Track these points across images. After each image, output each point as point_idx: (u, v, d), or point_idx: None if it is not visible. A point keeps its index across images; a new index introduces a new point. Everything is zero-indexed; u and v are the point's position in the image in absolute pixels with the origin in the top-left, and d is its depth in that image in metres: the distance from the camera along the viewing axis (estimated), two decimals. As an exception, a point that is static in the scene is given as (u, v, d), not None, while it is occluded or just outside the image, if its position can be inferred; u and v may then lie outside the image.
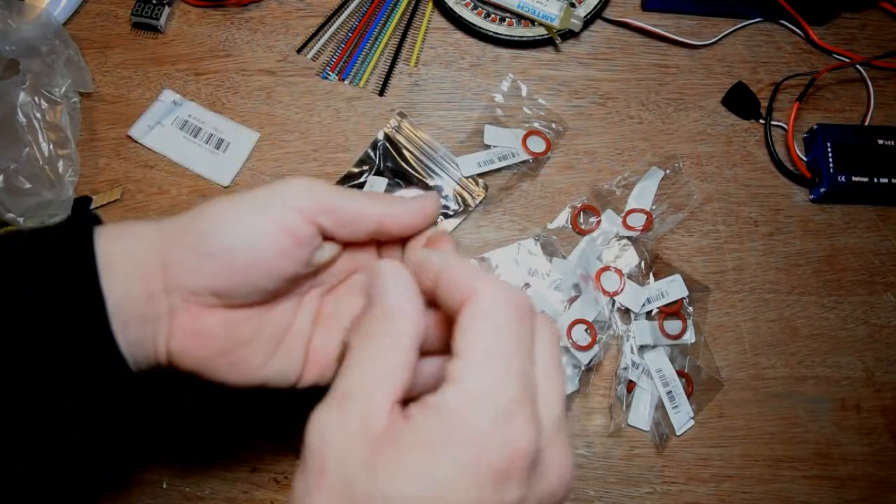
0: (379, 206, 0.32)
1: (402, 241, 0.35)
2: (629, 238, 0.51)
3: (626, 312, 0.50)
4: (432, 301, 0.28)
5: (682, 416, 0.48)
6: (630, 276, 0.50)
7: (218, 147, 0.53)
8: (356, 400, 0.24)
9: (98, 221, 0.31)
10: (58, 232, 0.30)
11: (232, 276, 0.30)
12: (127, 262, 0.30)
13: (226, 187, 0.52)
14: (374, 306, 0.27)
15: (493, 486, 0.22)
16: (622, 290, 0.49)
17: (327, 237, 0.33)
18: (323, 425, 0.24)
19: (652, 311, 0.49)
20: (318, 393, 0.26)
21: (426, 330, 0.27)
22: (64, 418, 0.31)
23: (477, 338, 0.24)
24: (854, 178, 0.52)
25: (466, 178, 0.52)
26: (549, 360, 0.26)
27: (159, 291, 0.30)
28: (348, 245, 0.34)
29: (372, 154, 0.53)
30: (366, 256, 0.36)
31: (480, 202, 0.52)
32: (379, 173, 0.52)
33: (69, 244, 0.29)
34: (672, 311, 0.49)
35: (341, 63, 0.55)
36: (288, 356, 0.33)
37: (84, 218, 0.31)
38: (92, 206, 0.51)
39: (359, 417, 0.24)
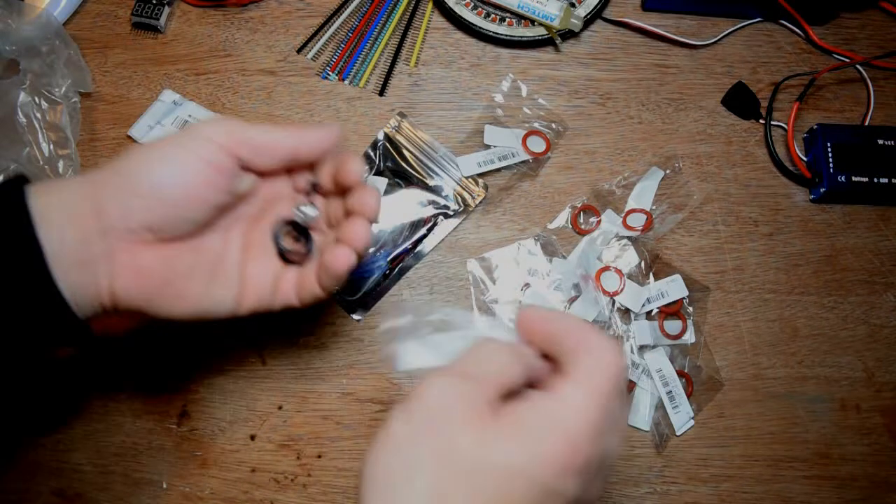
0: (289, 135, 0.37)
1: (310, 167, 0.40)
2: (629, 238, 0.51)
3: (626, 312, 0.50)
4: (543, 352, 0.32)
5: (682, 416, 0.48)
6: (630, 276, 0.50)
7: (218, 147, 0.53)
8: (475, 379, 0.28)
9: (28, 181, 0.33)
10: None
11: (163, 211, 0.33)
12: (60, 211, 0.32)
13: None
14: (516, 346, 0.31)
15: (564, 475, 0.26)
16: (622, 290, 0.49)
17: (246, 168, 0.36)
18: (443, 388, 0.28)
19: (652, 311, 0.49)
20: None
21: (538, 368, 0.31)
22: (9, 369, 0.33)
23: (584, 369, 0.29)
24: (854, 178, 0.52)
25: (466, 178, 0.52)
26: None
27: (94, 235, 0.32)
28: (265, 175, 0.38)
29: (372, 154, 0.53)
30: (281, 185, 0.40)
31: (480, 202, 0.52)
32: (379, 173, 0.52)
33: (2, 201, 0.31)
34: (672, 311, 0.49)
35: (341, 63, 0.55)
36: (225, 284, 0.37)
37: (15, 178, 0.33)
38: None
39: (474, 391, 0.28)
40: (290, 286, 0.38)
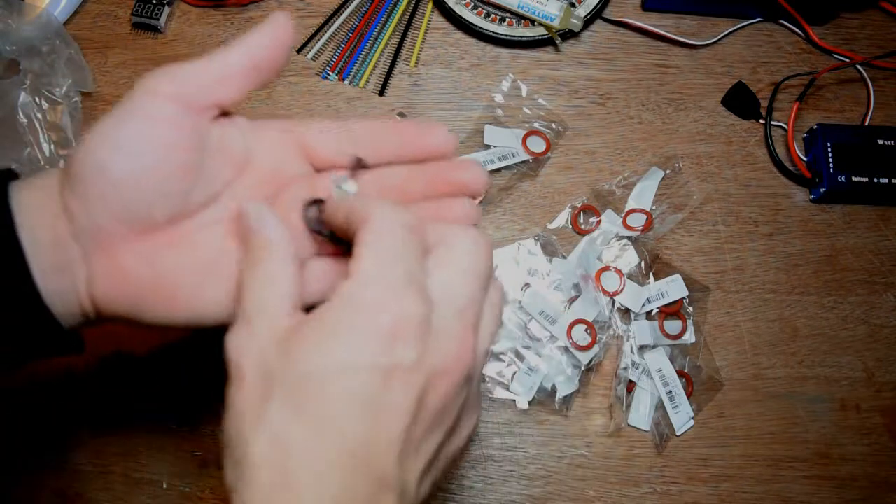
0: (238, 49, 0.31)
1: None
2: (629, 238, 0.51)
3: (626, 312, 0.50)
4: (348, 236, 0.29)
5: (682, 416, 0.48)
6: (630, 276, 0.50)
7: (218, 147, 0.53)
8: (258, 314, 0.27)
9: (15, 176, 0.30)
10: None
11: (124, 193, 0.28)
12: (32, 211, 0.29)
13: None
14: (248, 240, 0.29)
15: (385, 345, 0.24)
16: (622, 290, 0.49)
17: (218, 114, 0.31)
18: (237, 341, 0.26)
19: (652, 311, 0.49)
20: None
21: (304, 248, 0.31)
22: None
23: (369, 244, 0.26)
24: (854, 178, 0.52)
25: (466, 178, 0.52)
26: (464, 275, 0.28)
27: (66, 237, 0.29)
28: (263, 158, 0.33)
29: (372, 154, 0.53)
30: (292, 162, 0.34)
31: (480, 202, 0.52)
32: (379, 173, 0.52)
33: None
34: (672, 311, 0.49)
35: (341, 63, 0.55)
36: (220, 284, 0.31)
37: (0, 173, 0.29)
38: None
39: (265, 325, 0.26)
40: (324, 277, 0.32)
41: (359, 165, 0.33)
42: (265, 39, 0.31)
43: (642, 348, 0.49)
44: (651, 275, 0.50)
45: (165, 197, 0.29)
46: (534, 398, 0.47)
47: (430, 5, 0.57)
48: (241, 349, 0.26)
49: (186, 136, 0.30)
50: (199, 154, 0.30)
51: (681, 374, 0.48)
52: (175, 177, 0.29)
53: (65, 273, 0.29)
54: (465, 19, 0.55)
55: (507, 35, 0.55)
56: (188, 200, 0.30)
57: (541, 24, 0.55)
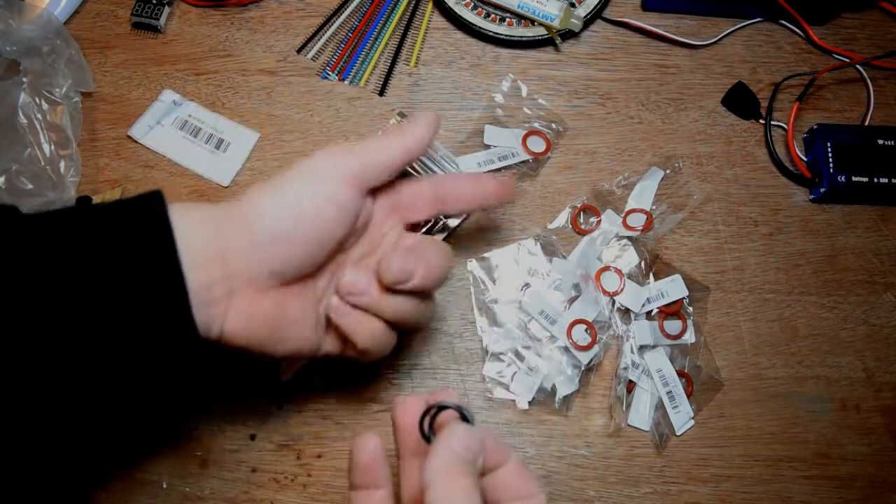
0: (396, 139, 0.36)
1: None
2: (629, 238, 0.51)
3: (626, 312, 0.50)
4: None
5: (682, 416, 0.48)
6: (630, 276, 0.50)
7: (218, 147, 0.53)
8: None
9: (162, 198, 0.32)
10: (135, 214, 0.31)
11: (290, 257, 0.33)
12: (194, 253, 0.31)
13: (225, 187, 0.52)
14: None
15: None
16: (622, 290, 0.49)
17: (369, 193, 0.36)
18: None
19: (652, 311, 0.49)
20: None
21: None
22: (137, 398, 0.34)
23: None
24: (854, 178, 0.52)
25: (466, 178, 0.52)
26: None
27: (218, 279, 0.32)
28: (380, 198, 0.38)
29: (372, 154, 0.53)
30: (387, 222, 0.39)
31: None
32: (379, 173, 0.52)
33: (150, 232, 0.31)
34: (672, 311, 0.49)
35: (341, 63, 0.55)
36: (315, 326, 0.36)
37: (155, 204, 0.32)
38: (92, 206, 0.51)
39: None
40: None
41: (443, 228, 0.41)
42: (418, 130, 0.37)
43: (642, 348, 0.49)
44: (651, 275, 0.50)
45: (316, 261, 0.34)
46: (534, 398, 0.47)
47: (430, 5, 0.57)
48: None
49: (350, 216, 0.35)
50: (352, 227, 0.36)
51: (681, 374, 0.48)
52: (333, 246, 0.35)
53: (206, 309, 0.31)
54: (465, 19, 0.55)
55: (507, 35, 0.55)
56: (331, 258, 0.36)
57: (541, 24, 0.55)
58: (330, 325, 0.37)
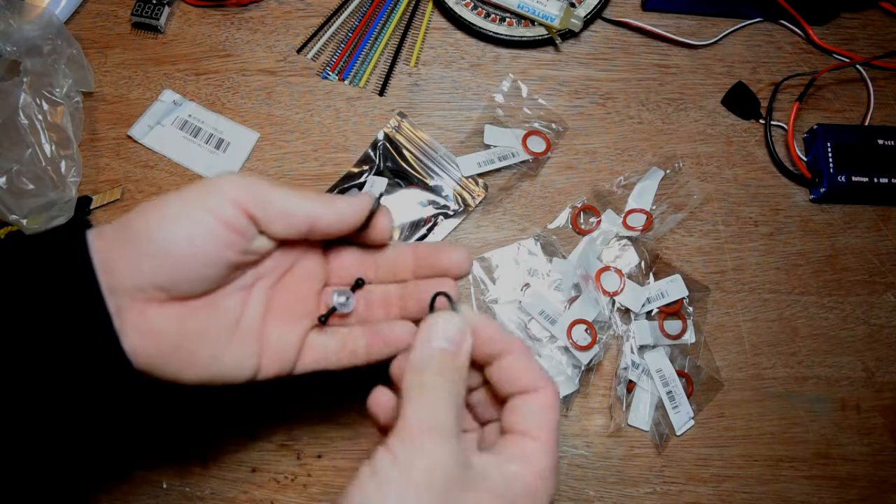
0: (309, 205, 0.34)
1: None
2: (629, 238, 0.51)
3: (626, 312, 0.50)
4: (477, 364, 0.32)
5: (682, 416, 0.48)
6: (630, 276, 0.50)
7: (218, 147, 0.53)
8: (455, 436, 0.29)
9: (88, 225, 0.33)
10: (55, 239, 0.32)
11: (173, 269, 0.32)
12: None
13: (226, 187, 0.52)
14: (429, 352, 0.31)
15: None
16: (622, 290, 0.49)
17: (262, 231, 0.34)
18: (437, 451, 0.28)
19: (652, 311, 0.49)
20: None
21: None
22: (67, 414, 0.33)
23: (546, 429, 0.31)
24: (854, 178, 0.52)
25: (466, 178, 0.52)
26: None
27: (104, 291, 0.31)
28: (284, 243, 0.36)
29: (372, 154, 0.53)
30: (310, 244, 0.37)
31: (480, 202, 0.52)
32: (379, 173, 0.52)
33: (67, 252, 0.31)
34: (672, 311, 0.49)
35: (341, 63, 0.55)
36: (241, 348, 0.34)
37: (77, 224, 0.33)
38: (91, 207, 0.51)
39: (456, 451, 0.28)
40: (338, 349, 0.37)
41: (358, 286, 0.38)
42: (335, 214, 0.34)
43: (642, 348, 0.49)
44: (651, 275, 0.50)
45: (207, 280, 0.33)
46: (534, 398, 0.47)
47: (430, 5, 0.57)
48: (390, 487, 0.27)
49: (238, 240, 0.33)
50: (244, 256, 0.34)
51: (681, 374, 0.48)
52: (220, 267, 0.33)
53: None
54: (465, 19, 0.55)
55: (507, 35, 0.55)
56: (225, 282, 0.34)
57: (541, 24, 0.55)
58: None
